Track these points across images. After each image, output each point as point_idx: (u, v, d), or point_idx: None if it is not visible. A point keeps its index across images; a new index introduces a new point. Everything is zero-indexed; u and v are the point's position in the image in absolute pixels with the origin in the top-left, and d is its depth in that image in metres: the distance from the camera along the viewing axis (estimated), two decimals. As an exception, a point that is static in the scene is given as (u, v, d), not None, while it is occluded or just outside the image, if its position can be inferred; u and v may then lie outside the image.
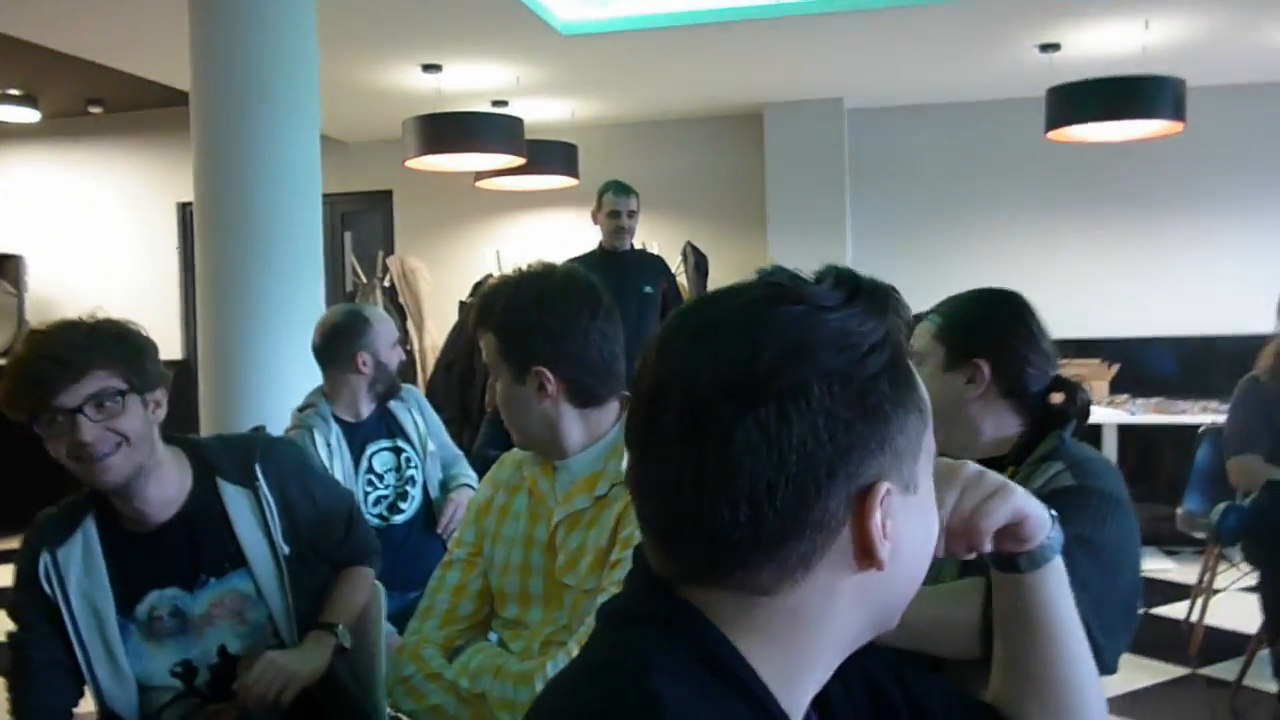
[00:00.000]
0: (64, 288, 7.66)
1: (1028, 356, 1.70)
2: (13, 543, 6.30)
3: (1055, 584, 0.95)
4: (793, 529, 0.71)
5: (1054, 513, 0.94)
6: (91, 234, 7.69)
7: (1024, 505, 0.90)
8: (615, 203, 4.88)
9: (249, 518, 1.88)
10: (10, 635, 1.81)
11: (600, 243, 5.01)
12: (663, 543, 0.76)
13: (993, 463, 1.55)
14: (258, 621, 1.88)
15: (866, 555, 0.73)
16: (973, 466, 0.90)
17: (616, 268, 4.77)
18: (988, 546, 0.89)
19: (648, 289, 4.98)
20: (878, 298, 0.75)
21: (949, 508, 0.88)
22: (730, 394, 0.70)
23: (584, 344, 1.65)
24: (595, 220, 4.99)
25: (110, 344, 1.71)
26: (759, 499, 0.70)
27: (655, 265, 5.24)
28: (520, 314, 1.65)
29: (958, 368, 1.70)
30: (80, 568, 1.79)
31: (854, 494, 0.72)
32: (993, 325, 1.73)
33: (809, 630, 0.75)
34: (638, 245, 6.54)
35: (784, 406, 0.69)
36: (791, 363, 0.70)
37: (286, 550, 1.90)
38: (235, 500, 1.88)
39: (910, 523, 0.77)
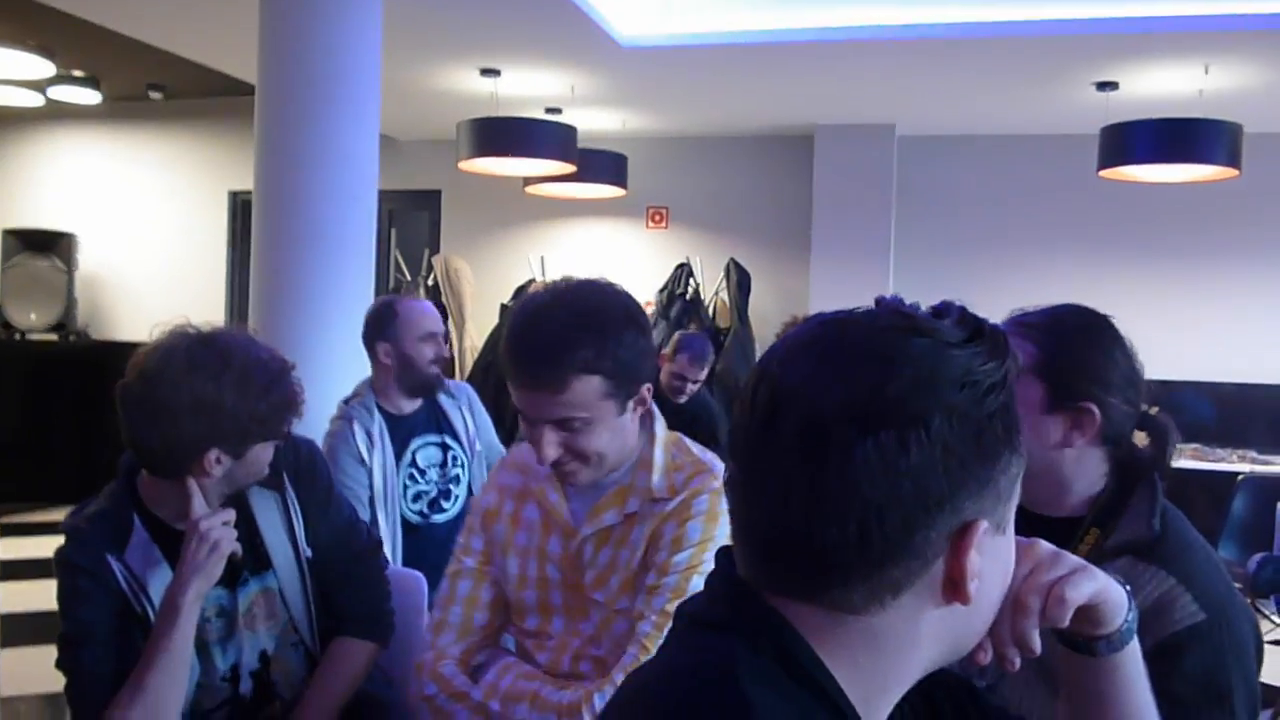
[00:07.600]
0: (113, 268, 7.79)
1: (1132, 397, 1.42)
2: (48, 514, 6.38)
3: (1132, 666, 0.91)
4: (894, 554, 0.72)
5: (1128, 587, 0.90)
6: (143, 216, 7.81)
7: (1106, 587, 0.86)
8: (688, 369, 4.42)
9: (275, 521, 1.87)
10: (71, 650, 1.69)
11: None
12: (761, 552, 0.77)
13: (1066, 525, 1.38)
14: (282, 622, 1.88)
15: (953, 589, 0.75)
16: (1046, 546, 0.86)
17: None
18: (1066, 621, 0.84)
19: None
20: (998, 340, 0.76)
21: (1016, 582, 0.83)
22: (855, 416, 0.71)
23: (651, 364, 1.65)
24: (661, 362, 4.44)
25: None
26: (869, 521, 0.71)
27: None
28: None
29: (1061, 411, 1.38)
30: (152, 571, 1.73)
31: (955, 528, 0.74)
32: (1105, 362, 1.41)
33: (888, 654, 0.76)
34: (680, 260, 6.55)
35: (904, 435, 0.71)
36: (918, 393, 0.71)
37: (309, 554, 1.89)
38: (261, 503, 1.86)
39: (995, 564, 0.79)
